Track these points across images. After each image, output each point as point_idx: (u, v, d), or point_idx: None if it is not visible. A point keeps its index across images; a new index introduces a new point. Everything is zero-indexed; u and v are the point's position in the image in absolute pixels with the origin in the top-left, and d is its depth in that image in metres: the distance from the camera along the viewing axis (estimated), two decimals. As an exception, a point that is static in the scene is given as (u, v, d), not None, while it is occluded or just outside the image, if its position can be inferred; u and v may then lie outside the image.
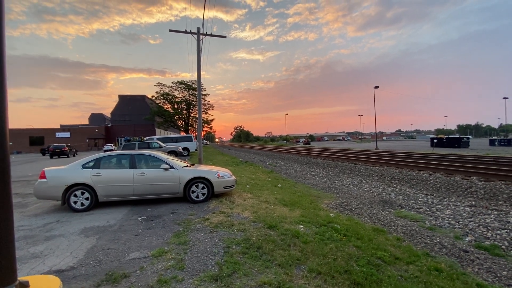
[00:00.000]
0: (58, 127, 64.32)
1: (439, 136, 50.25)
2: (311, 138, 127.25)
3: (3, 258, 1.38)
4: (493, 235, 5.22)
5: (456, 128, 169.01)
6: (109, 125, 64.36)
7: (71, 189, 5.96)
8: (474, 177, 10.23)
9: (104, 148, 39.73)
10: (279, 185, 10.14)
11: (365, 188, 10.24)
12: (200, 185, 6.56)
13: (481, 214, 6.47)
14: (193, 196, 6.50)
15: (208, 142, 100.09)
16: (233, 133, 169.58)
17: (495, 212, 6.53)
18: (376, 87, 38.01)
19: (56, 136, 55.44)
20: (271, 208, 6.11)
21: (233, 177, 7.24)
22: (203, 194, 6.57)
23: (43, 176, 6.03)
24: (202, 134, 23.52)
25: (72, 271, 3.23)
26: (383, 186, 10.48)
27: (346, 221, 5.41)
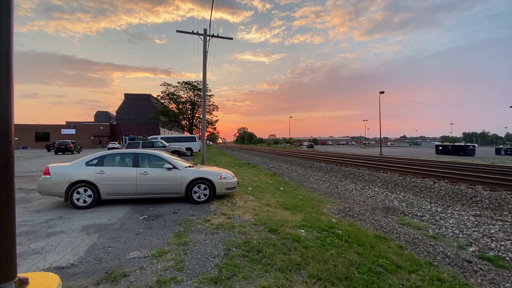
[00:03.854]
0: (64, 123, 65.09)
1: (445, 143, 49.73)
2: (315, 141, 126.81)
3: (3, 255, 1.38)
4: (497, 246, 5.14)
5: (462, 135, 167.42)
6: (114, 123, 64.85)
7: (74, 186, 6.00)
8: (479, 186, 10.08)
9: (108, 146, 40.05)
10: (281, 188, 10.10)
11: (368, 194, 10.16)
12: (202, 186, 6.56)
13: (486, 224, 6.37)
14: (194, 196, 6.50)
15: (211, 143, 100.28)
16: (237, 134, 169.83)
17: (500, 223, 6.42)
18: (382, 92, 37.78)
19: (62, 133, 56.05)
20: (272, 211, 6.08)
21: (235, 179, 7.22)
22: (205, 195, 6.56)
23: (47, 172, 6.09)
24: (206, 135, 23.54)
25: (72, 268, 3.24)
26: (386, 192, 10.38)
27: (348, 227, 5.37)
